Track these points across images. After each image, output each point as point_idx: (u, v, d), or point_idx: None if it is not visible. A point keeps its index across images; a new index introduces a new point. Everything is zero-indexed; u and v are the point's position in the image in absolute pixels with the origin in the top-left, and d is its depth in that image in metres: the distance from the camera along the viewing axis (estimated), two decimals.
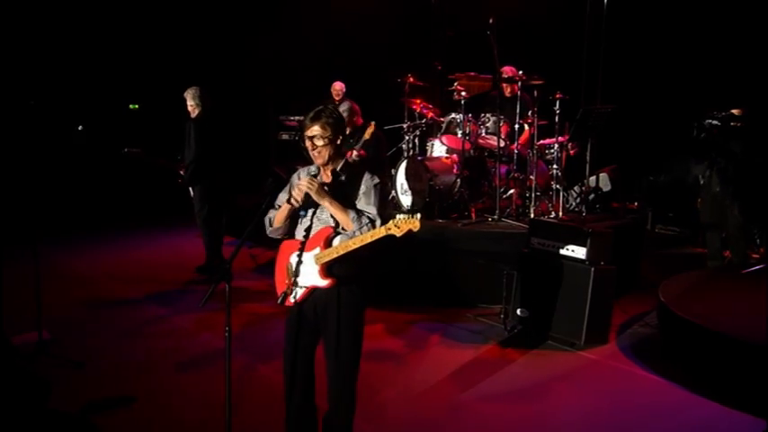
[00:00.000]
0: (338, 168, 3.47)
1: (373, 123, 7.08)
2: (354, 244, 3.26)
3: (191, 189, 7.17)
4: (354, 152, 6.90)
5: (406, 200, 7.18)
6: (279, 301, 3.40)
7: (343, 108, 7.13)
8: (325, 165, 3.46)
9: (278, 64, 10.92)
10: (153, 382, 4.83)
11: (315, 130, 3.37)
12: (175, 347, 5.48)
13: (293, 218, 3.53)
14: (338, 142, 3.44)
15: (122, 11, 10.42)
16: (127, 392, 4.60)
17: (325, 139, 3.37)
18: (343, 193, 3.41)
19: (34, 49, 9.79)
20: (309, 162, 3.55)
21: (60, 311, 5.97)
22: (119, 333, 5.74)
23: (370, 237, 3.22)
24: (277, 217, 3.53)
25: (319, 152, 3.40)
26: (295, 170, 3.65)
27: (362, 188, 3.41)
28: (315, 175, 3.50)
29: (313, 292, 3.41)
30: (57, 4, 10.08)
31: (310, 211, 3.45)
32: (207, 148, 6.94)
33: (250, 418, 4.14)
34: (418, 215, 3.15)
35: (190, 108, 7.06)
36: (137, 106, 11.94)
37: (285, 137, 9.36)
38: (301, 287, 3.38)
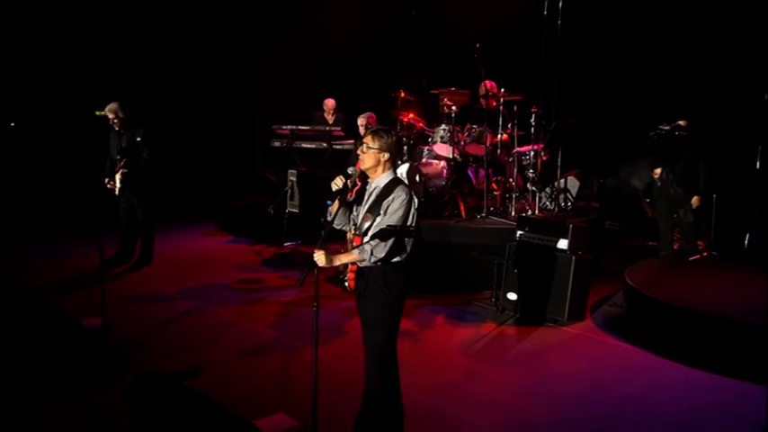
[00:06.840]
0: (374, 177, 4.01)
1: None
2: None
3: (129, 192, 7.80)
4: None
5: None
6: (344, 288, 4.10)
7: (361, 121, 7.97)
8: (366, 170, 4.06)
9: (268, 77, 11.69)
10: (209, 359, 5.53)
11: (367, 138, 4.01)
12: (222, 334, 6.19)
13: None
14: (382, 158, 3.98)
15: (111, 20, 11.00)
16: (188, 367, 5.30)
17: (370, 150, 3.97)
18: (368, 199, 3.98)
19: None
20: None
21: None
22: (163, 323, 6.36)
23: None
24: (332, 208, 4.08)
25: (361, 158, 4.03)
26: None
27: (388, 199, 3.86)
28: (347, 178, 4.12)
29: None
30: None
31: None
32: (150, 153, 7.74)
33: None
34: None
35: (115, 120, 7.69)
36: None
37: (277, 144, 10.04)
38: (346, 272, 4.04)
